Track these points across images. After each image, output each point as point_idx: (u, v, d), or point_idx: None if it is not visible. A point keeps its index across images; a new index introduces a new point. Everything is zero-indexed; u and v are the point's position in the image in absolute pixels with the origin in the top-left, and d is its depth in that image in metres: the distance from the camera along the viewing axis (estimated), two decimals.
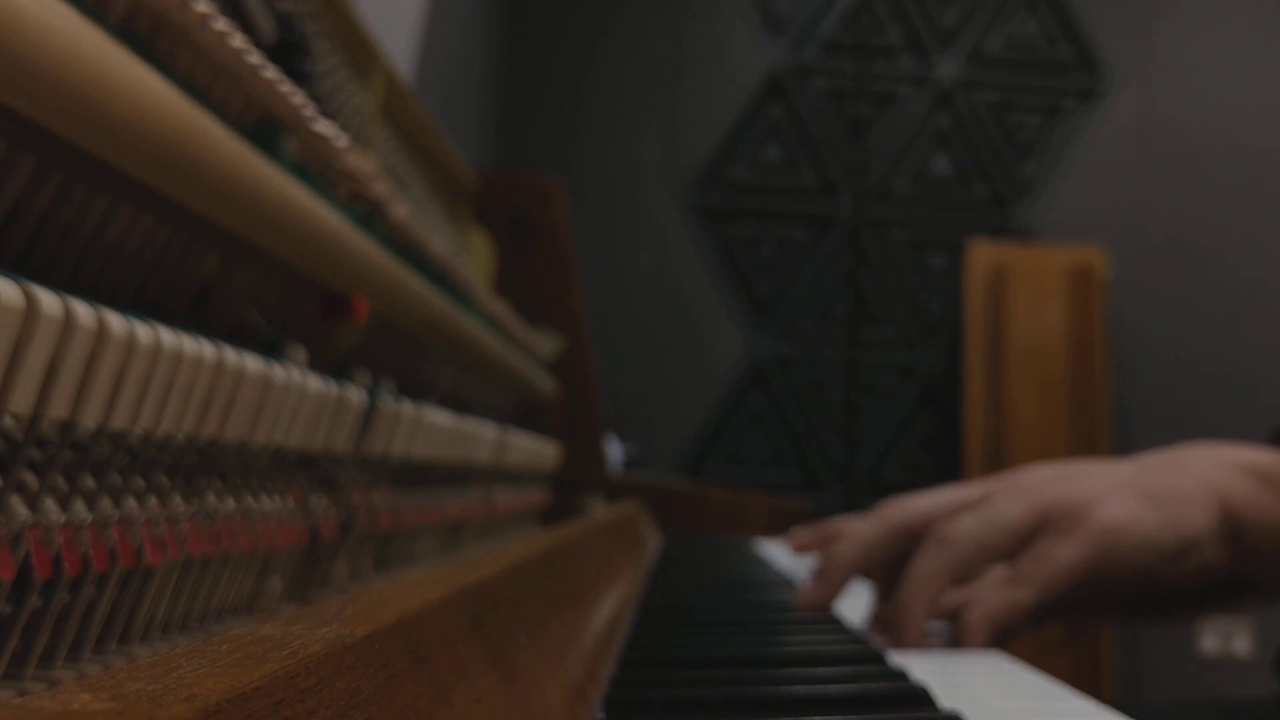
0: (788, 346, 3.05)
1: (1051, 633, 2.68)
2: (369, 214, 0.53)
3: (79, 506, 0.30)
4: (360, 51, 0.79)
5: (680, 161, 3.07)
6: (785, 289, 3.07)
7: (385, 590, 0.33)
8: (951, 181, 3.12)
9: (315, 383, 0.43)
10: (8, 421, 0.26)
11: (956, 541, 0.56)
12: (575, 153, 3.02)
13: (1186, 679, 2.88)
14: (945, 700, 0.39)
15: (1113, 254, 2.95)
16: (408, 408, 0.57)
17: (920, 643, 0.56)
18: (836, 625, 0.59)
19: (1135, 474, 0.59)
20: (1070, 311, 2.87)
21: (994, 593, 0.56)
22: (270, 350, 0.43)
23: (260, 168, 0.38)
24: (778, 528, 1.36)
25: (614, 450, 1.90)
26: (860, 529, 0.61)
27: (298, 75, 0.48)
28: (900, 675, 0.43)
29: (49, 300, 0.26)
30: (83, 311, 0.27)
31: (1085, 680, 2.60)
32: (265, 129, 0.41)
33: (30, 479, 0.28)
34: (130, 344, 0.29)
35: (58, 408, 0.27)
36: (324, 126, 0.46)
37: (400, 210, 0.57)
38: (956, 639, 0.56)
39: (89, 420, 0.29)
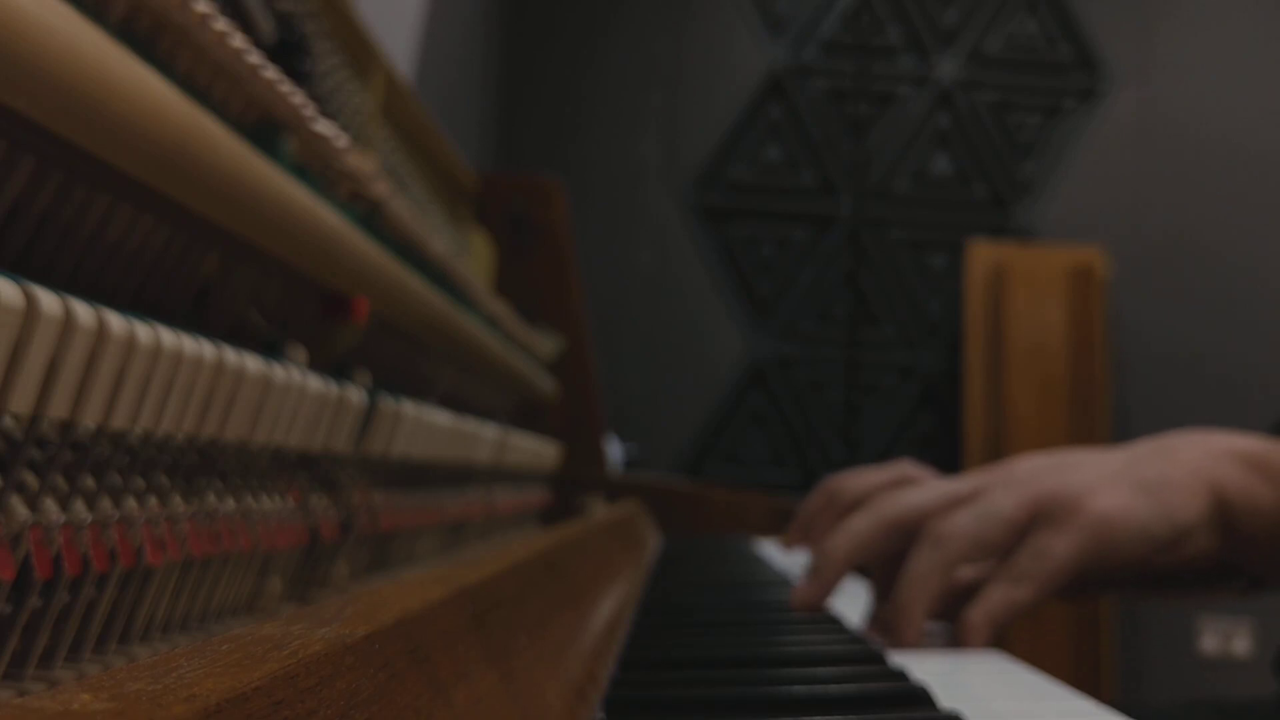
0: (788, 346, 3.05)
1: (1051, 621, 2.68)
2: (369, 214, 0.53)
3: (79, 506, 0.30)
4: (360, 51, 0.79)
5: (680, 161, 3.07)
6: (785, 289, 3.07)
7: (385, 590, 0.33)
8: (951, 181, 3.12)
9: (315, 383, 0.43)
10: (8, 421, 0.26)
11: (951, 539, 0.56)
12: (575, 153, 3.02)
13: (1186, 679, 2.88)
14: (945, 700, 0.39)
15: (1113, 254, 2.95)
16: (408, 408, 0.57)
17: (919, 643, 0.55)
18: (836, 625, 0.59)
19: (1127, 463, 0.60)
20: (1070, 311, 2.87)
21: (993, 591, 0.56)
22: (270, 350, 0.43)
23: (260, 168, 0.38)
24: (778, 528, 1.36)
25: (614, 450, 1.90)
26: (854, 524, 0.60)
27: (298, 75, 0.48)
28: (900, 675, 0.43)
29: (49, 300, 0.26)
30: (83, 311, 0.27)
31: (1085, 680, 2.60)
32: (265, 129, 0.41)
33: (30, 479, 0.28)
34: (130, 344, 0.29)
35: (58, 408, 0.27)
36: (324, 126, 0.46)
37: (400, 210, 0.57)
38: (956, 638, 0.56)
39: (89, 420, 0.29)
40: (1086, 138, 3.10)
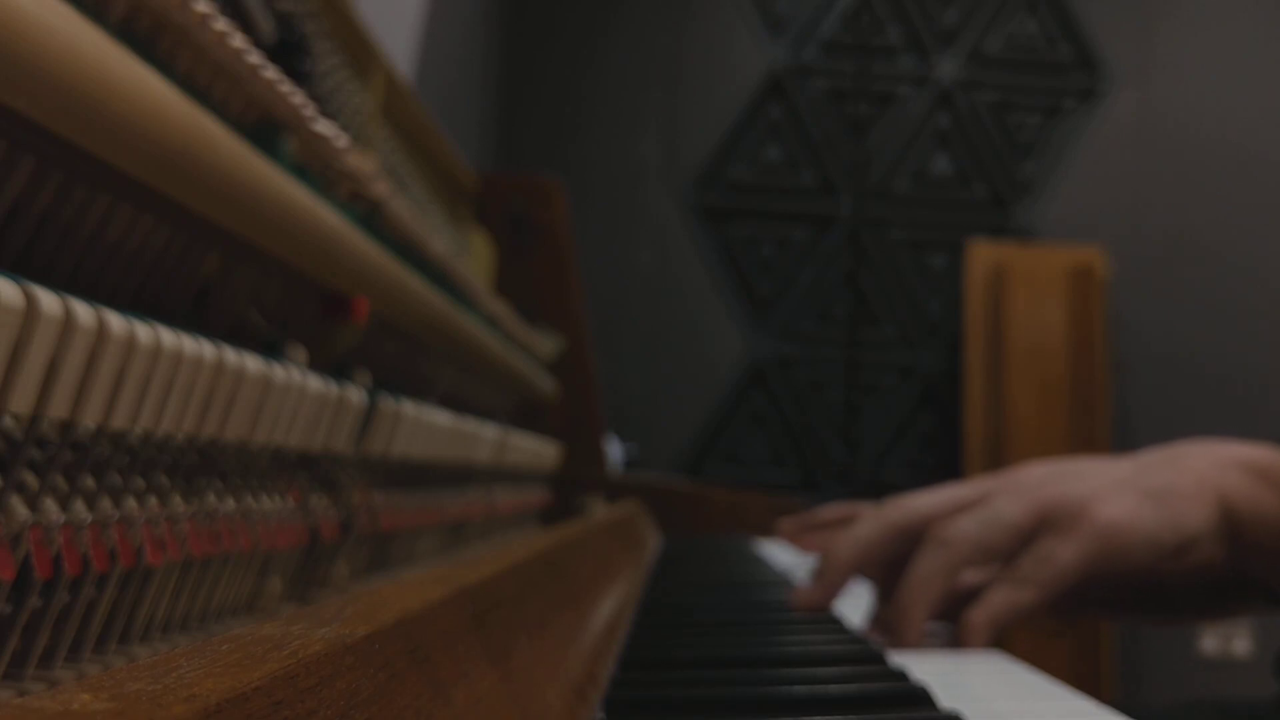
0: (788, 346, 3.05)
1: (1051, 627, 2.68)
2: (369, 214, 0.53)
3: (79, 506, 0.30)
4: (360, 51, 0.79)
5: (680, 161, 3.07)
6: (785, 289, 3.07)
7: (385, 590, 0.33)
8: (951, 181, 3.12)
9: (315, 383, 0.43)
10: (8, 421, 0.26)
11: (956, 542, 0.56)
12: (575, 153, 3.02)
13: (1186, 679, 2.88)
14: (945, 700, 0.39)
15: (1113, 254, 2.95)
16: (408, 408, 0.57)
17: (920, 644, 0.55)
18: (836, 625, 0.59)
19: (1135, 471, 0.60)
20: (1070, 311, 2.87)
21: (996, 594, 0.56)
22: (270, 350, 0.43)
23: (260, 168, 0.38)
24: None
25: (614, 450, 1.90)
26: (859, 529, 0.61)
27: (298, 75, 0.48)
28: (900, 675, 0.43)
29: (49, 300, 0.26)
30: (83, 311, 0.27)
31: (1085, 680, 2.59)
32: (265, 129, 0.41)
33: (30, 479, 0.28)
34: (130, 344, 0.29)
35: (58, 408, 0.27)
36: (324, 126, 0.46)
37: (400, 210, 0.57)
38: (957, 639, 0.56)
39: (89, 420, 0.29)
40: (1086, 138, 3.10)
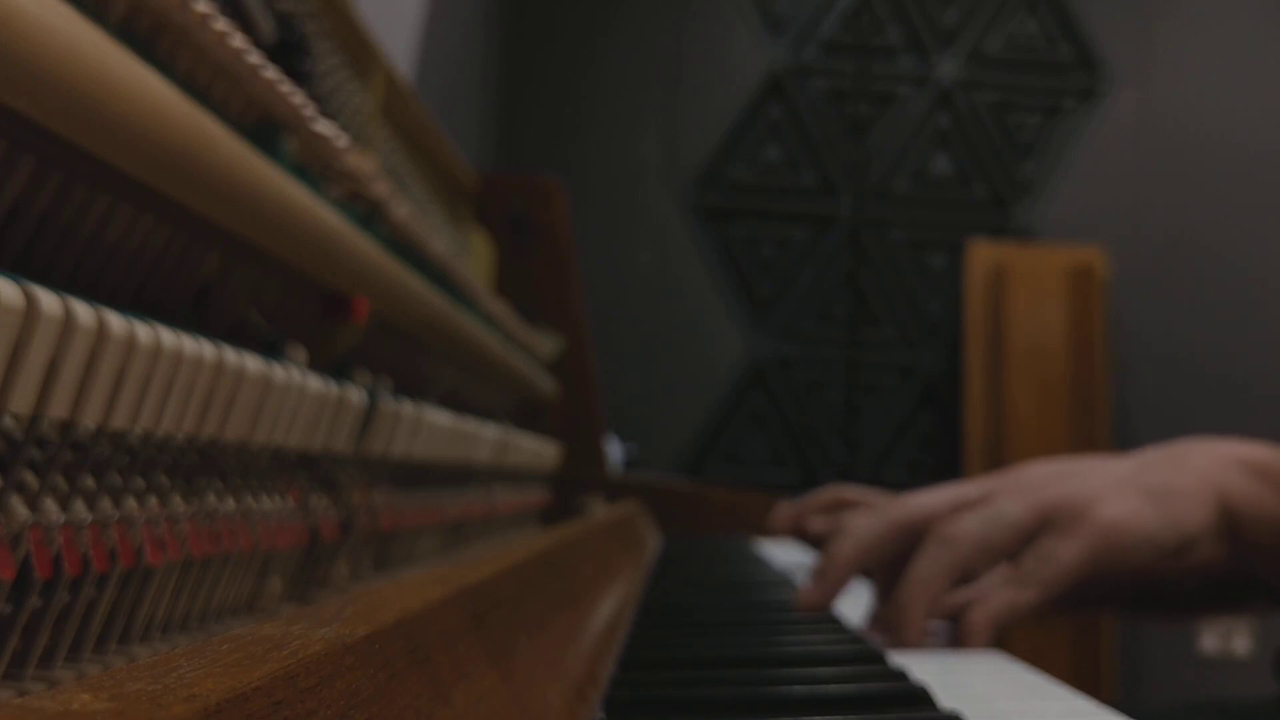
0: (788, 346, 3.05)
1: (1048, 620, 2.68)
2: (369, 214, 0.53)
3: (79, 506, 0.30)
4: (360, 51, 0.79)
5: (680, 161, 3.07)
6: (785, 289, 3.07)
7: (385, 590, 0.33)
8: (951, 181, 3.12)
9: (315, 383, 0.43)
10: (8, 421, 0.26)
11: (957, 541, 0.56)
12: (575, 153, 3.02)
13: (1186, 679, 2.88)
14: (945, 700, 0.39)
15: (1113, 254, 2.95)
16: (408, 408, 0.57)
17: (920, 643, 0.55)
18: (836, 625, 0.59)
19: (1135, 471, 0.60)
20: (1070, 311, 2.87)
21: (997, 593, 0.56)
22: (270, 350, 0.43)
23: (260, 168, 0.38)
24: None
25: (614, 450, 1.90)
26: (860, 528, 0.61)
27: (298, 75, 0.48)
28: (900, 675, 0.43)
29: (49, 300, 0.26)
30: (83, 311, 0.27)
31: (1085, 680, 2.59)
32: (265, 129, 0.41)
33: (30, 479, 0.28)
34: (130, 344, 0.29)
35: (58, 408, 0.27)
36: (324, 126, 0.46)
37: (400, 210, 0.57)
38: (958, 639, 0.56)
39: (89, 420, 0.29)
40: (1086, 138, 3.10)
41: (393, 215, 0.56)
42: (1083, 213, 3.07)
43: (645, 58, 3.09)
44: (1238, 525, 0.59)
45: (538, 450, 0.99)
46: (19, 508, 0.28)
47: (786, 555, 1.05)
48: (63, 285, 0.28)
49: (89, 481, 0.31)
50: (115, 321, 0.28)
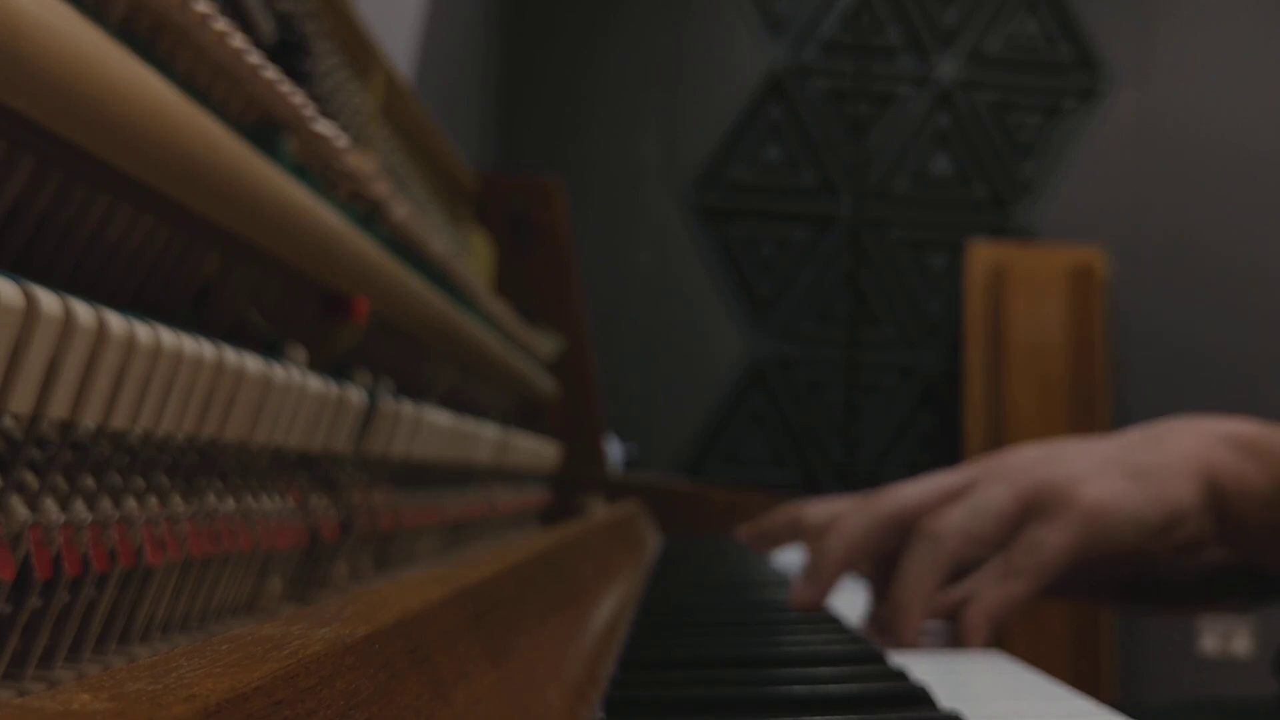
0: (788, 346, 3.05)
1: (1051, 619, 2.68)
2: (369, 214, 0.53)
3: (79, 506, 0.30)
4: (360, 51, 0.79)
5: (680, 161, 3.07)
6: (785, 289, 3.07)
7: (385, 590, 0.33)
8: (951, 181, 3.12)
9: (315, 383, 0.43)
10: (8, 421, 0.26)
11: (945, 536, 0.56)
12: (575, 153, 3.02)
13: (1186, 679, 2.88)
14: (945, 700, 0.39)
15: (1113, 254, 2.95)
16: (408, 408, 0.57)
17: (917, 642, 0.55)
18: (836, 625, 0.59)
19: (1119, 451, 0.59)
20: (1070, 311, 2.87)
21: (989, 589, 0.56)
22: (270, 350, 0.43)
23: (260, 168, 0.38)
24: None
25: (614, 450, 1.90)
26: (848, 525, 0.60)
27: (298, 75, 0.48)
28: (900, 675, 0.43)
29: (49, 300, 0.26)
30: (83, 311, 0.27)
31: (1085, 680, 2.60)
32: (265, 129, 0.41)
33: (30, 479, 0.28)
34: (130, 344, 0.29)
35: (58, 408, 0.27)
36: (324, 126, 0.46)
37: (400, 210, 0.57)
38: (956, 638, 0.56)
39: (89, 420, 0.29)
40: (1086, 138, 3.10)
41: (393, 215, 0.56)
42: (1083, 213, 3.07)
43: (645, 58, 3.09)
44: (1223, 501, 0.58)
45: (538, 450, 0.99)
46: (19, 508, 0.28)
47: (786, 555, 1.05)
48: (63, 285, 0.28)
49: (89, 481, 0.31)
50: (115, 321, 0.28)
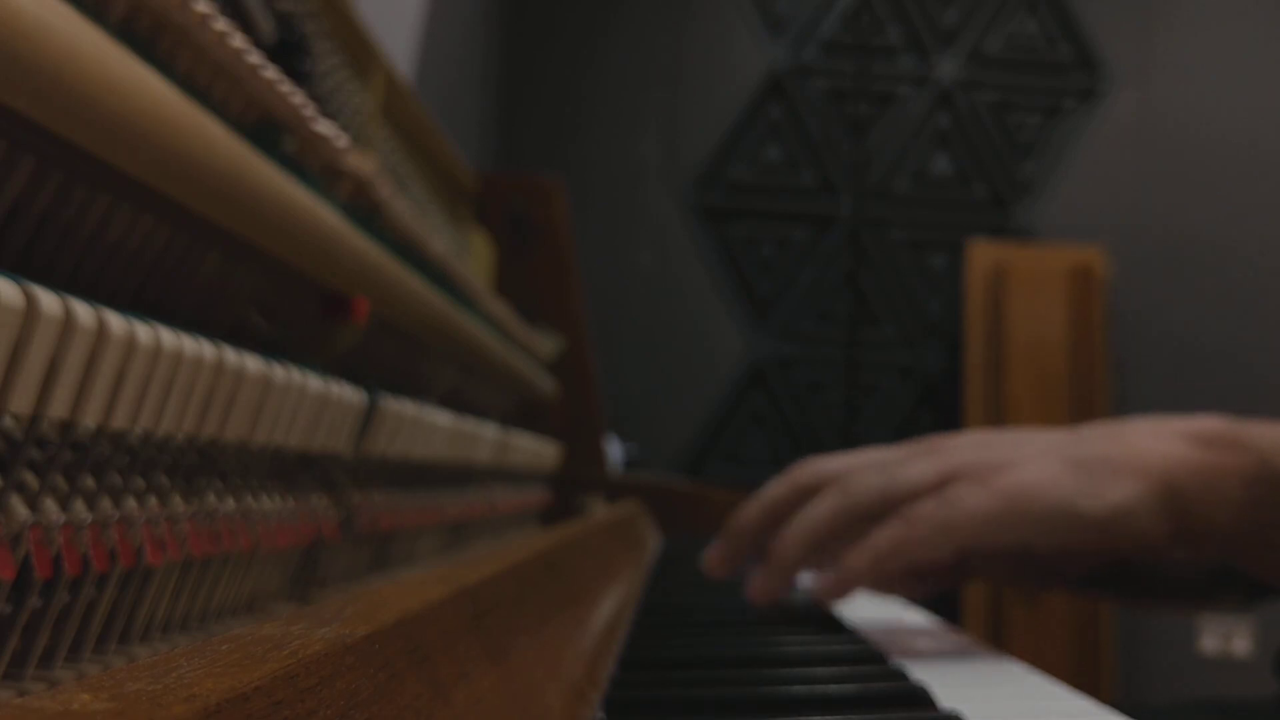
0: (788, 346, 3.05)
1: (1048, 617, 2.68)
2: (369, 214, 0.53)
3: (79, 506, 0.30)
4: (360, 51, 0.79)
5: (680, 161, 3.07)
6: (785, 289, 3.07)
7: (385, 590, 0.33)
8: (951, 181, 3.12)
9: (315, 383, 0.43)
10: (8, 421, 0.26)
11: (854, 491, 0.54)
12: (575, 153, 3.02)
13: (1186, 679, 2.88)
14: (945, 700, 0.39)
15: (1113, 254, 2.95)
16: (408, 408, 0.57)
17: (785, 586, 0.54)
18: (836, 625, 0.59)
19: (1066, 442, 0.57)
20: (1070, 311, 2.87)
21: (882, 531, 0.53)
22: (270, 350, 0.43)
23: (260, 168, 0.38)
24: None
25: (614, 450, 1.90)
26: (807, 514, 0.58)
27: (298, 75, 0.48)
28: (900, 675, 0.43)
29: (49, 300, 0.26)
30: (83, 311, 0.27)
31: (1085, 680, 2.60)
32: (265, 129, 0.41)
33: (30, 479, 0.28)
34: (130, 344, 0.29)
35: (58, 408, 0.27)
36: (324, 126, 0.46)
37: (400, 210, 0.57)
38: (834, 585, 0.54)
39: (89, 420, 0.29)
40: (1086, 138, 3.10)
41: (393, 215, 0.56)
42: (1083, 213, 3.07)
43: (645, 58, 3.09)
44: (1183, 501, 0.54)
45: (538, 450, 0.99)
46: (19, 508, 0.28)
47: None
48: (63, 285, 0.28)
49: (89, 481, 0.31)
50: (115, 321, 0.28)
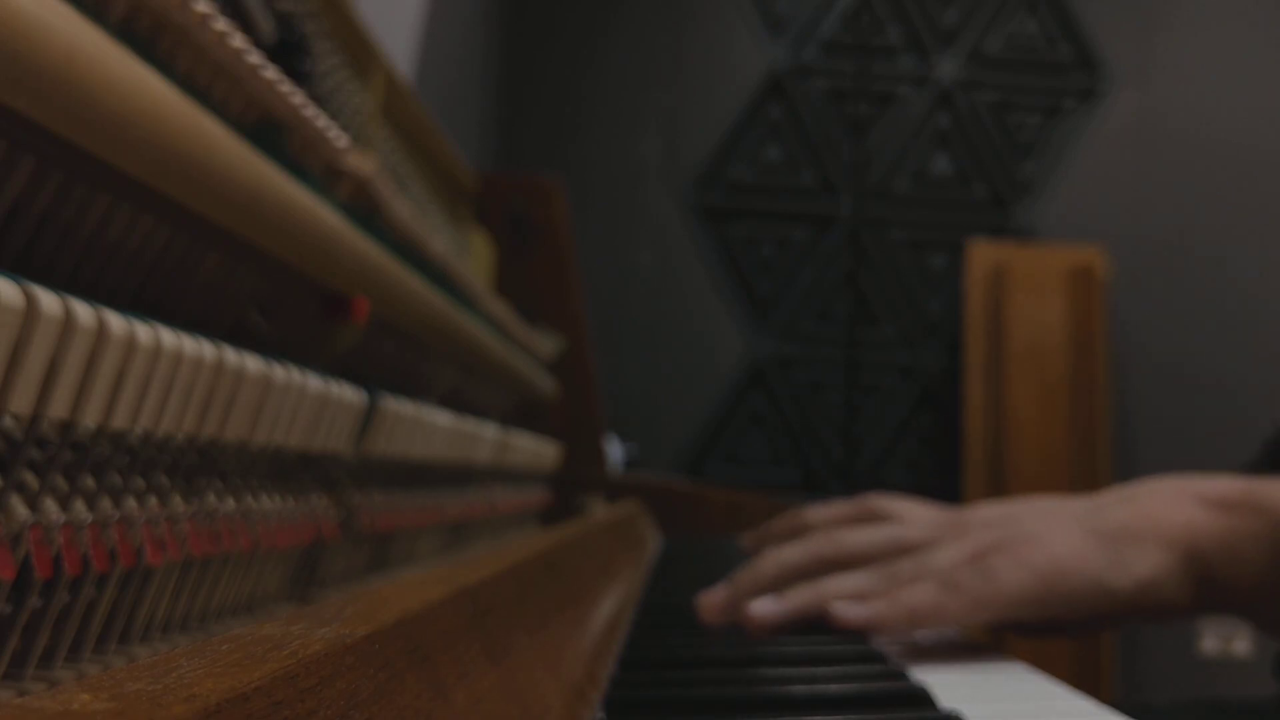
0: (788, 346, 3.05)
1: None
2: (369, 214, 0.53)
3: (79, 506, 0.30)
4: (360, 51, 0.79)
5: (680, 161, 3.07)
6: (785, 289, 3.07)
7: (385, 590, 0.33)
8: (951, 181, 3.12)
9: (315, 383, 0.43)
10: (8, 421, 0.26)
11: (840, 542, 0.56)
12: (575, 153, 3.02)
13: (1186, 679, 2.88)
14: (945, 700, 0.39)
15: (1113, 254, 2.95)
16: (408, 408, 0.57)
17: (732, 612, 0.55)
18: None
19: (1087, 511, 0.57)
20: (1070, 311, 2.87)
21: (920, 589, 0.53)
22: (270, 350, 0.43)
23: (260, 168, 0.38)
24: None
25: (614, 450, 1.90)
26: (786, 554, 0.59)
27: (298, 75, 0.48)
28: (900, 675, 0.43)
29: (49, 300, 0.26)
30: (83, 311, 0.27)
31: (1085, 680, 2.59)
32: (265, 129, 0.41)
33: (30, 479, 0.28)
34: (130, 344, 0.29)
35: (58, 408, 0.27)
36: (324, 126, 0.46)
37: (400, 210, 0.57)
38: (860, 622, 0.54)
39: (89, 420, 0.29)
40: (1086, 138, 3.10)
41: (393, 215, 0.56)
42: (1083, 213, 3.07)
43: (645, 58, 3.09)
44: (1207, 568, 0.55)
45: (538, 450, 0.99)
46: (19, 508, 0.28)
47: None
48: (63, 285, 0.28)
49: (89, 481, 0.31)
50: (115, 321, 0.28)
